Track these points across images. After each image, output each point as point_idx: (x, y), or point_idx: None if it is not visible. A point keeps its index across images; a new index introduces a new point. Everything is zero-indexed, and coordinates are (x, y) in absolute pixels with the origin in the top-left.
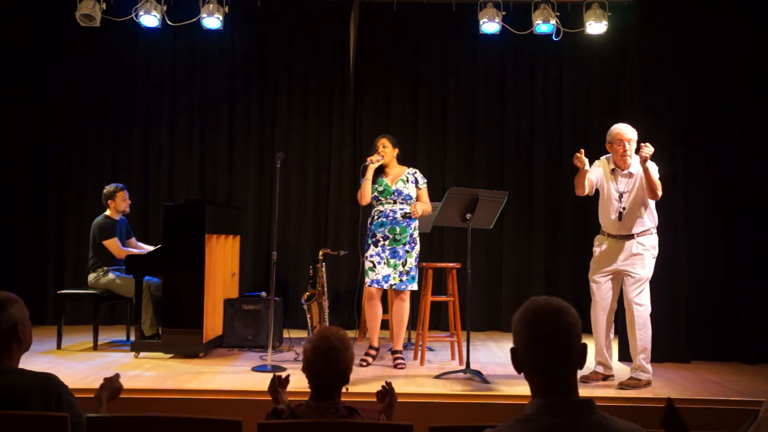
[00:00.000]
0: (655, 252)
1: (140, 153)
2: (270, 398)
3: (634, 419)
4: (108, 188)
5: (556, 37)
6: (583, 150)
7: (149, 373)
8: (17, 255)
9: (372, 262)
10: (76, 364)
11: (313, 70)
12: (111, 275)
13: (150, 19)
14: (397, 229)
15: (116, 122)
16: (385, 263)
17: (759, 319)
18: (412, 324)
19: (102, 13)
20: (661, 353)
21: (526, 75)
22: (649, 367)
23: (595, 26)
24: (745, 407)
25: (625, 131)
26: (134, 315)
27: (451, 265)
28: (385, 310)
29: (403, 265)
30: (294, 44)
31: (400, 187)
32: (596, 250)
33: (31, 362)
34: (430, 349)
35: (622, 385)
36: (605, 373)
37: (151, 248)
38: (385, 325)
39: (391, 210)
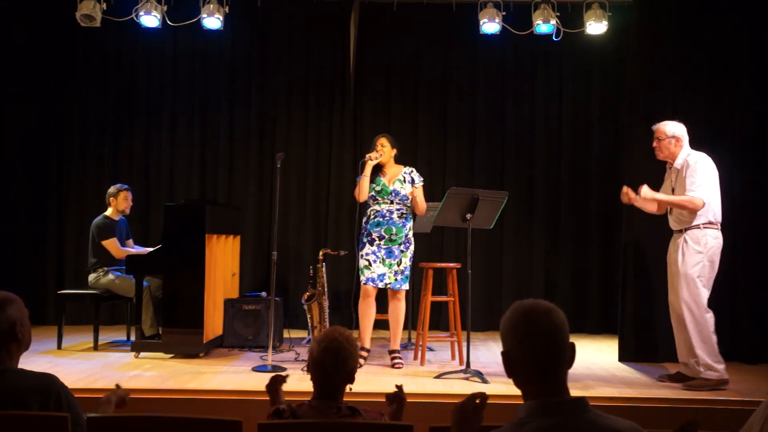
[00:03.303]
0: (700, 248)
1: (140, 153)
2: (269, 398)
3: (635, 420)
4: (112, 188)
5: (556, 37)
6: (625, 189)
7: (149, 373)
8: (17, 255)
9: (367, 260)
10: (76, 363)
11: (313, 70)
12: (111, 275)
13: (150, 20)
14: (393, 229)
15: (116, 122)
16: (380, 262)
17: (759, 319)
18: (413, 324)
19: (102, 14)
20: (661, 354)
21: (526, 75)
22: (716, 365)
23: (595, 26)
24: (745, 407)
25: (659, 127)
26: (134, 315)
27: (451, 265)
28: (383, 310)
29: (398, 265)
30: (294, 44)
31: (397, 187)
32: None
33: (32, 362)
34: (431, 349)
35: (688, 386)
36: (687, 374)
37: (148, 250)
38: (384, 325)
39: (387, 210)
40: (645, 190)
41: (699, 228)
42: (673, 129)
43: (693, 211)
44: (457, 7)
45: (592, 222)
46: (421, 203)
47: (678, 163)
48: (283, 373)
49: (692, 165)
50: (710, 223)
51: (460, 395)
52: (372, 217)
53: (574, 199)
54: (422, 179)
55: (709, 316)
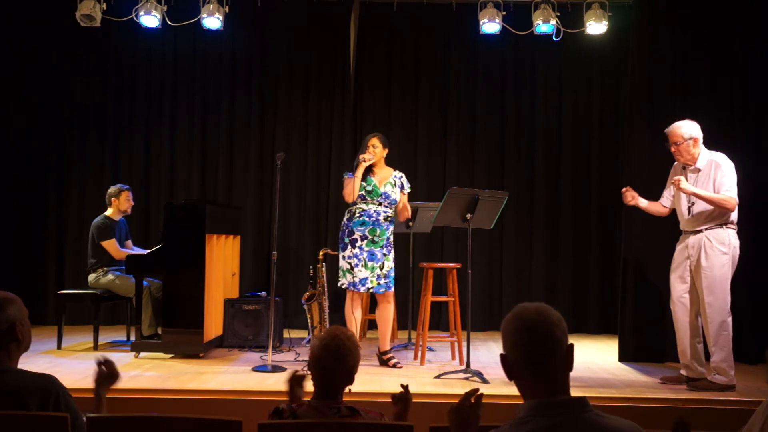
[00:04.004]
0: (725, 248)
1: (140, 153)
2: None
3: (635, 420)
4: (113, 188)
5: (556, 37)
6: (627, 189)
7: (150, 373)
8: (17, 255)
9: (349, 263)
10: (76, 363)
11: (313, 70)
12: (111, 275)
13: (150, 20)
14: (377, 230)
15: (116, 122)
16: (362, 265)
17: (759, 319)
18: (413, 324)
19: (102, 13)
20: (661, 354)
21: (526, 75)
22: (728, 370)
23: (596, 26)
24: (745, 407)
25: (673, 131)
26: (134, 315)
27: (451, 265)
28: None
29: (381, 269)
30: (294, 44)
31: (387, 190)
32: (676, 247)
33: (32, 362)
34: (431, 349)
35: (692, 386)
36: (689, 376)
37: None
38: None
39: (375, 211)
40: (684, 182)
41: (722, 227)
42: (690, 130)
43: (726, 210)
44: (457, 7)
45: (592, 222)
46: (407, 210)
47: (701, 163)
48: (300, 373)
49: (723, 165)
50: (732, 222)
51: (461, 395)
52: (357, 215)
53: (574, 199)
54: (410, 186)
55: (730, 320)
